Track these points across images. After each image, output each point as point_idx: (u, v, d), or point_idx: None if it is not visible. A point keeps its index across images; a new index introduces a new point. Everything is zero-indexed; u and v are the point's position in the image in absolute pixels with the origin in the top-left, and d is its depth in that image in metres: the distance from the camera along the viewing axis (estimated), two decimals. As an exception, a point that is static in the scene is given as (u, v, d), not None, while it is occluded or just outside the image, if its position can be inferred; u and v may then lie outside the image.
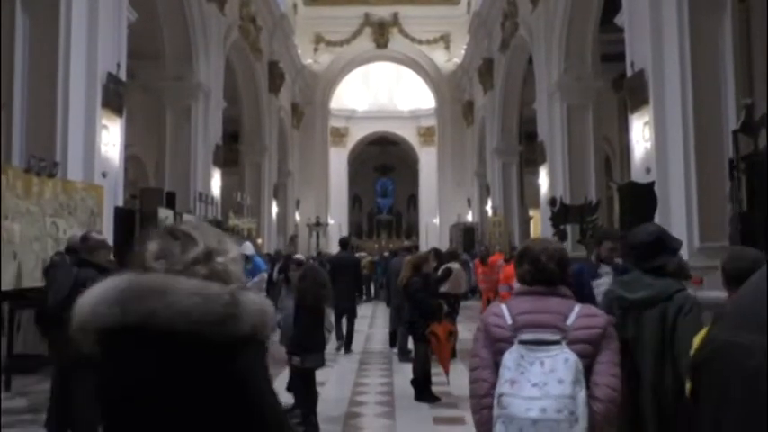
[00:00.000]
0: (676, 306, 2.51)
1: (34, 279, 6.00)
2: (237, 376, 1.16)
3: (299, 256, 6.48)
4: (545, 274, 2.09)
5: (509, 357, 1.97)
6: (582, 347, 1.97)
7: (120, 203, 9.11)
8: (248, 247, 8.02)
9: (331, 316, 5.53)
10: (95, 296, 1.24)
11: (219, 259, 1.26)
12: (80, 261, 4.35)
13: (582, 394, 1.89)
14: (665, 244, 2.76)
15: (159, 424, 1.17)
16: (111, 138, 8.82)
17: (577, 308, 2.05)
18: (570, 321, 2.00)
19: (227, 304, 1.17)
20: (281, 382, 6.61)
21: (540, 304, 2.06)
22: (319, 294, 5.08)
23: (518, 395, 1.89)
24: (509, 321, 2.04)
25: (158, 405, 1.17)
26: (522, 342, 1.98)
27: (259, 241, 16.52)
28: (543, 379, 1.89)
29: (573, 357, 1.92)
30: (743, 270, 2.30)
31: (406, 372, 6.66)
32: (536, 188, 15.76)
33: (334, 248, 17.43)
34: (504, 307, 2.12)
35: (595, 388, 1.96)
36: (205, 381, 1.16)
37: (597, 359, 1.99)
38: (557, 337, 1.97)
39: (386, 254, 18.59)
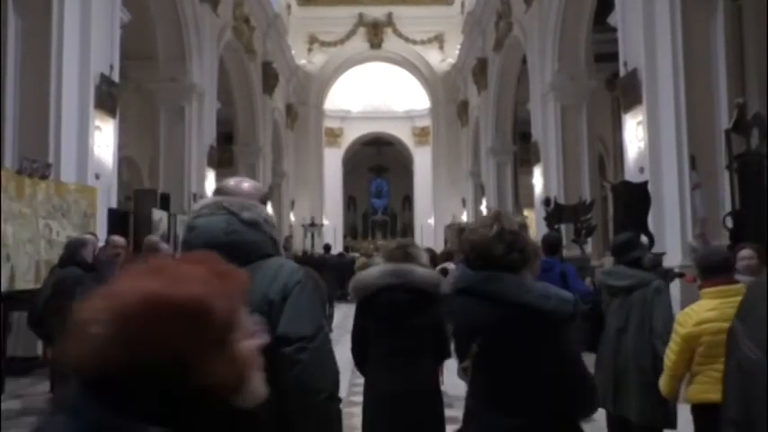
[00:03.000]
0: (652, 290, 3.33)
1: (27, 281, 5.97)
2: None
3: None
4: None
5: None
6: None
7: (114, 205, 9.08)
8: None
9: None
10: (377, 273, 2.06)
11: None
12: (62, 260, 4.37)
13: None
14: (634, 243, 3.69)
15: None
16: (104, 139, 8.79)
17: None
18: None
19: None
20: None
21: None
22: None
23: None
24: None
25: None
26: None
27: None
28: None
29: None
30: (715, 263, 2.89)
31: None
32: (530, 188, 15.79)
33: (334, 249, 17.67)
34: None
35: None
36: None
37: None
38: None
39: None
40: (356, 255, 18.30)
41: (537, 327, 1.73)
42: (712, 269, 2.88)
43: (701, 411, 2.80)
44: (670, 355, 2.88)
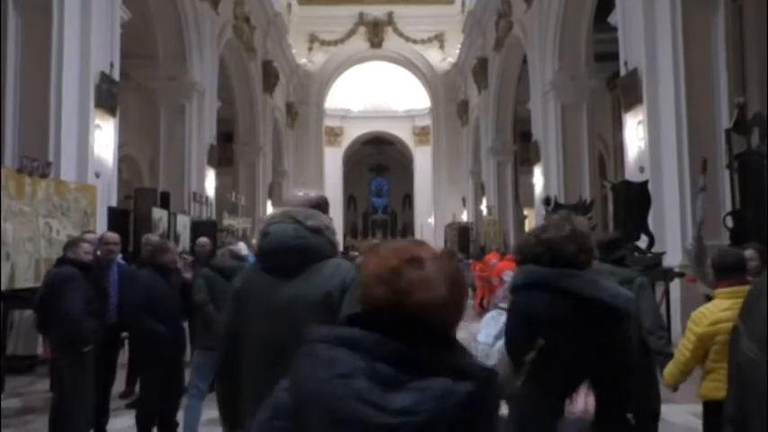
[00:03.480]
0: (637, 286, 3.36)
1: (27, 280, 5.97)
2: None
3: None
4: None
5: (488, 316, 2.66)
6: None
7: (114, 204, 9.08)
8: (243, 248, 7.96)
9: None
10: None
11: None
12: (60, 260, 4.37)
13: (498, 344, 2.38)
14: (620, 242, 3.73)
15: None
16: (104, 138, 8.79)
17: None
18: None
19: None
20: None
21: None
22: None
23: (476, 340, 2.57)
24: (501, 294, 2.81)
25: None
26: (498, 308, 2.61)
27: (254, 242, 16.47)
28: (488, 331, 2.53)
29: (503, 318, 2.34)
30: (729, 264, 2.94)
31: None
32: (530, 187, 15.79)
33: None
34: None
35: None
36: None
37: None
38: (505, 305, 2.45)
39: None
40: (356, 254, 18.28)
41: (605, 322, 1.86)
42: (726, 270, 2.95)
43: (712, 408, 2.85)
44: (684, 352, 2.96)
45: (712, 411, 2.83)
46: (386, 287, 0.99)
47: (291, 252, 1.94)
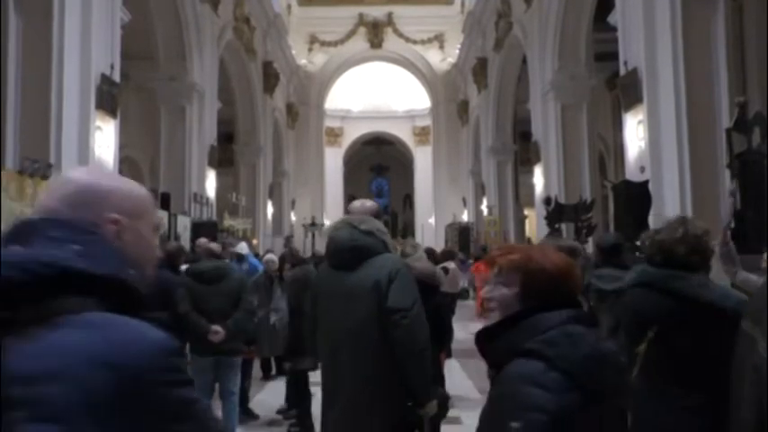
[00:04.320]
0: None
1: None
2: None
3: (270, 256, 6.41)
4: None
5: None
6: None
7: (115, 205, 9.08)
8: (243, 248, 7.98)
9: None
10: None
11: None
12: None
13: None
14: (622, 245, 3.77)
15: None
16: (105, 139, 8.80)
17: None
18: None
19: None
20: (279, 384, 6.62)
21: None
22: (301, 299, 5.06)
23: None
24: None
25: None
26: None
27: (254, 242, 16.50)
28: None
29: None
30: None
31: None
32: (531, 187, 15.80)
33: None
34: None
35: None
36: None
37: None
38: None
39: None
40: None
41: (715, 322, 1.96)
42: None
43: None
44: None
45: None
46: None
47: (347, 251, 2.44)
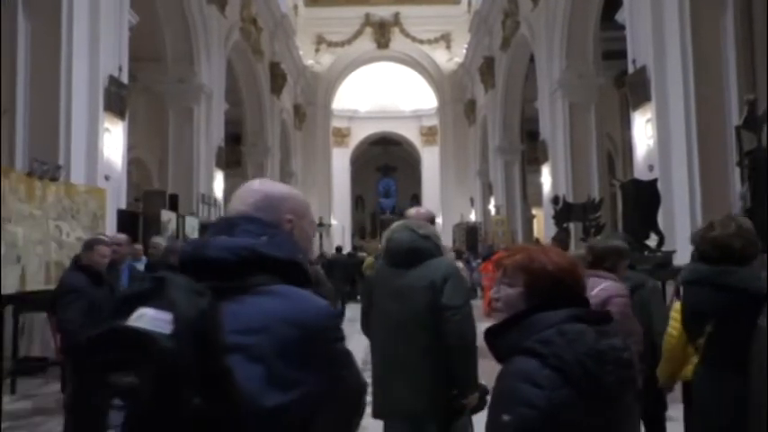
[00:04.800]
0: (648, 291, 3.55)
1: (37, 282, 6.01)
2: None
3: None
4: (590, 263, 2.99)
5: None
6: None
7: (124, 206, 9.13)
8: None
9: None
10: None
11: None
12: (75, 263, 4.29)
13: None
14: (628, 246, 3.84)
15: None
16: (113, 141, 8.84)
17: (602, 284, 2.81)
18: (592, 293, 2.68)
19: None
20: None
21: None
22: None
23: None
24: None
25: None
26: None
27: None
28: None
29: None
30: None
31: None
32: (539, 186, 15.74)
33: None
34: None
35: None
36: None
37: None
38: None
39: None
40: (363, 254, 18.30)
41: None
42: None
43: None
44: (667, 343, 2.93)
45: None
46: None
47: (405, 252, 2.71)
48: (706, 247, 2.40)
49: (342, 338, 1.14)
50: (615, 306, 2.71)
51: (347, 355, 1.16)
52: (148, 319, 0.93)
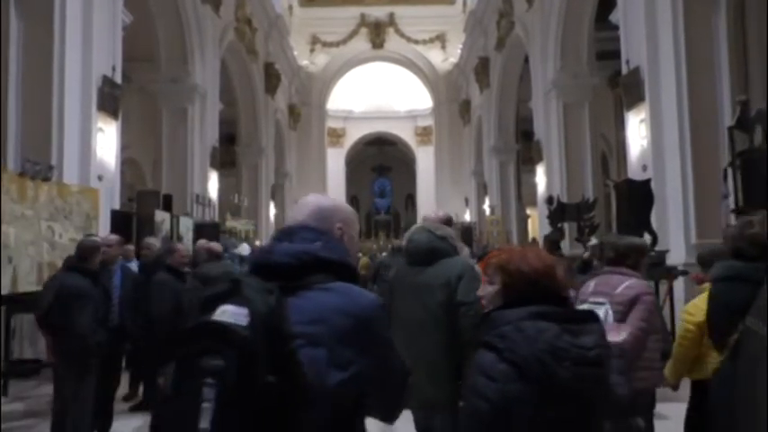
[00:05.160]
0: None
1: (30, 283, 5.98)
2: None
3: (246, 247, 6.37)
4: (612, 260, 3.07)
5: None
6: (617, 307, 2.83)
7: (117, 206, 9.09)
8: (245, 249, 7.99)
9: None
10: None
11: None
12: (69, 265, 4.23)
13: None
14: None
15: None
16: (106, 141, 8.81)
17: (627, 282, 2.87)
18: (617, 291, 2.85)
19: None
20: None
21: (604, 279, 3.01)
22: None
23: None
24: (589, 289, 3.04)
25: None
26: (588, 302, 2.93)
27: (257, 243, 16.50)
28: None
29: (603, 310, 2.78)
30: (704, 257, 3.49)
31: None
32: (533, 186, 15.76)
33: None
34: (591, 283, 3.11)
35: (625, 330, 2.73)
36: None
37: (629, 315, 2.78)
38: (602, 299, 2.88)
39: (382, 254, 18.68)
40: (359, 255, 18.30)
41: None
42: (709, 264, 3.40)
43: (700, 387, 3.12)
44: (683, 342, 3.05)
45: (700, 390, 3.16)
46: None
47: (425, 252, 2.92)
48: (743, 244, 2.45)
49: (387, 327, 1.37)
50: (644, 304, 2.78)
51: (391, 342, 1.38)
52: (230, 314, 1.17)
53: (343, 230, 1.48)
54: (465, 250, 4.16)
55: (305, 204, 1.50)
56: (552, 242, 8.42)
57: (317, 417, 1.18)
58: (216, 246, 5.06)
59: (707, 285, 3.13)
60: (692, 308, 3.12)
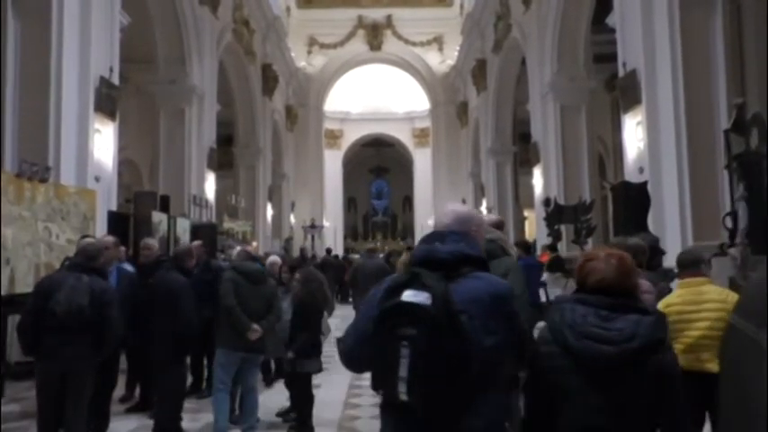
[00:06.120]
0: (658, 290, 3.65)
1: (27, 284, 5.96)
2: None
3: (275, 258, 6.41)
4: None
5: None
6: None
7: (114, 207, 9.08)
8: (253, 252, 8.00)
9: (328, 319, 5.53)
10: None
11: None
12: (83, 266, 4.16)
13: None
14: (657, 249, 4.11)
15: None
16: (104, 142, 8.79)
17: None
18: None
19: None
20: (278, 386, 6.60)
21: None
22: (317, 298, 5.10)
23: None
24: None
25: None
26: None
27: (254, 244, 16.49)
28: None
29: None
30: (686, 260, 3.72)
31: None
32: (530, 188, 15.79)
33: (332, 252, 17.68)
34: None
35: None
36: None
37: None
38: None
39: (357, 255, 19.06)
40: (356, 256, 18.31)
41: None
42: (682, 265, 3.71)
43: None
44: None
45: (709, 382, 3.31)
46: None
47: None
48: None
49: (514, 303, 1.86)
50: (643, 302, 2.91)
51: (518, 314, 1.86)
52: (416, 296, 1.67)
53: (477, 232, 2.03)
54: (513, 249, 4.49)
55: (447, 214, 2.03)
56: (551, 249, 8.53)
57: (476, 369, 1.66)
58: (252, 249, 5.39)
59: (679, 282, 3.60)
60: (660, 304, 3.45)
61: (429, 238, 1.92)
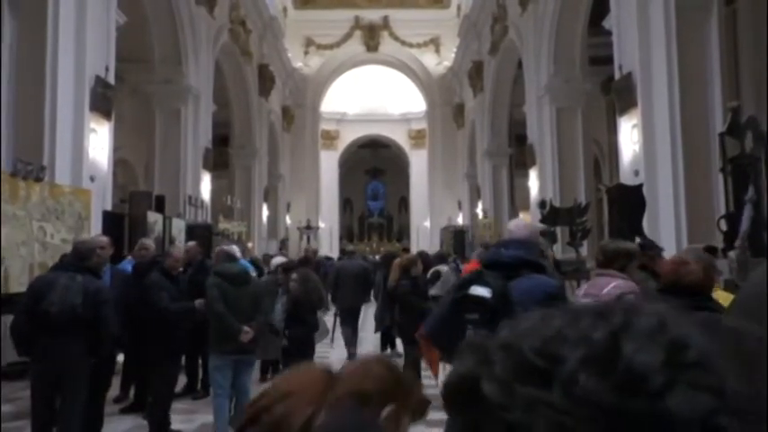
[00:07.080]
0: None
1: (21, 284, 5.93)
2: None
3: (281, 258, 6.44)
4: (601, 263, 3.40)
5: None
6: None
7: (109, 207, 9.05)
8: (235, 251, 7.94)
9: (325, 320, 5.54)
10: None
11: None
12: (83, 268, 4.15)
13: None
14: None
15: None
16: (99, 141, 8.77)
17: (613, 282, 3.04)
18: (604, 291, 3.03)
19: None
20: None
21: (593, 282, 3.30)
22: (313, 297, 5.11)
23: None
24: (581, 292, 3.39)
25: None
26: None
27: (249, 245, 16.47)
28: None
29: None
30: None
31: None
32: (526, 190, 15.83)
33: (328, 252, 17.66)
34: (583, 286, 3.54)
35: None
36: None
37: None
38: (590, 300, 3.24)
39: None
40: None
41: None
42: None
43: None
44: None
45: None
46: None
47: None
48: None
49: (565, 299, 2.32)
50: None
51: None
52: (481, 290, 2.21)
53: (532, 242, 2.56)
54: (548, 251, 4.63)
55: (517, 224, 2.71)
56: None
57: None
58: (231, 249, 5.28)
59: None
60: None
61: (497, 245, 2.49)
